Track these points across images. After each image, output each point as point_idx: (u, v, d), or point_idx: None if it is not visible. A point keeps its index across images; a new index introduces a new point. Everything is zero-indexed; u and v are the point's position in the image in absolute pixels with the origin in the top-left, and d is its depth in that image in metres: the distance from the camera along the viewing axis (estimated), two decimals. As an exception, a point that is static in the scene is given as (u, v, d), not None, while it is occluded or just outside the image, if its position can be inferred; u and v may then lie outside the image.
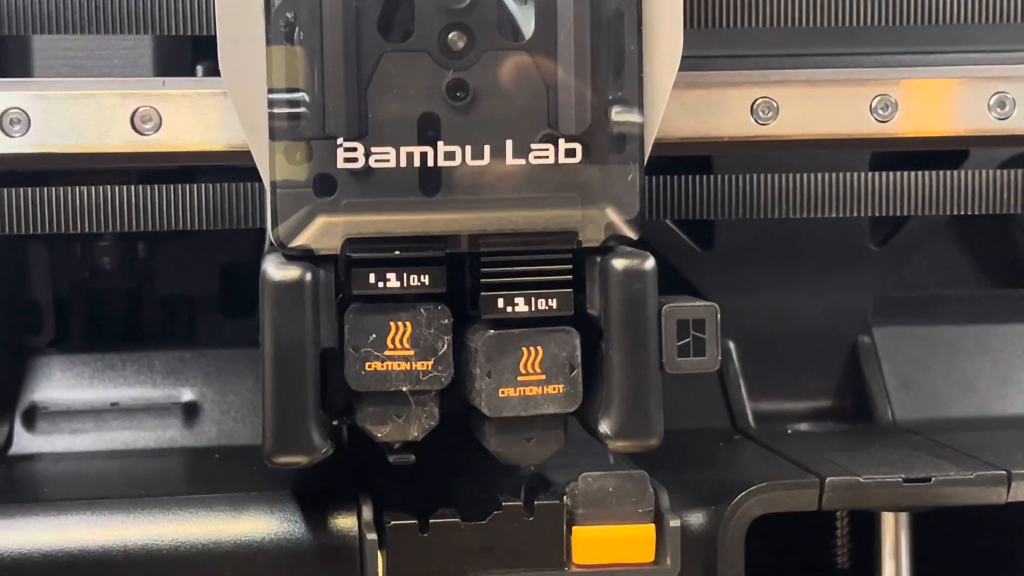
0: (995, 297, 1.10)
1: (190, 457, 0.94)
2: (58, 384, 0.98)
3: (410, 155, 0.74)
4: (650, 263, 0.77)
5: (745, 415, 1.01)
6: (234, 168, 0.84)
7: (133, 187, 0.83)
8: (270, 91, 0.75)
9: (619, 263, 0.76)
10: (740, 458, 0.93)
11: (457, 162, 0.75)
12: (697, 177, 0.88)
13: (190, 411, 0.97)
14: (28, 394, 0.97)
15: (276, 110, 0.75)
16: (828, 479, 0.82)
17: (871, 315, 1.04)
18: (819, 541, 0.98)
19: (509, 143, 0.75)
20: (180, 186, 0.84)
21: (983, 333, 1.05)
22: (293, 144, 0.74)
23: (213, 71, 0.79)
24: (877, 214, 0.89)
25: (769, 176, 0.88)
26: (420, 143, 0.74)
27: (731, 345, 1.02)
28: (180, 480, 0.91)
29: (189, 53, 0.93)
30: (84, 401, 0.97)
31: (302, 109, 0.74)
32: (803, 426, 1.01)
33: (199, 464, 0.93)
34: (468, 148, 0.75)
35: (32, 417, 0.96)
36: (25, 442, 0.95)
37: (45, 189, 0.83)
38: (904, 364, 1.04)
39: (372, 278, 0.75)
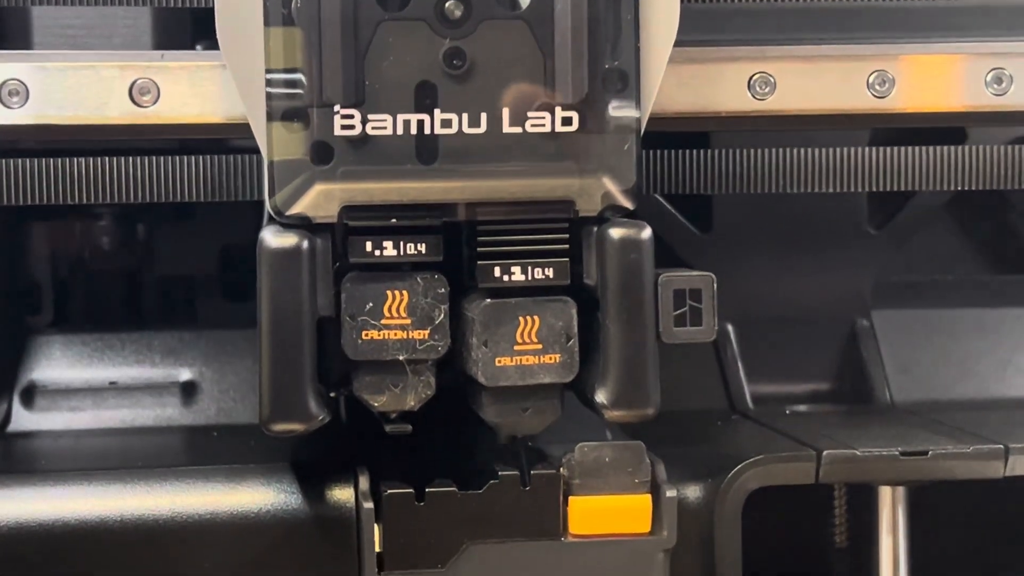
0: (994, 281, 1.10)
1: (188, 434, 0.94)
2: (57, 364, 0.98)
3: (407, 122, 0.74)
4: (647, 232, 0.77)
5: (743, 397, 1.01)
6: (232, 140, 0.84)
7: (131, 158, 0.83)
8: (268, 71, 0.75)
9: (616, 232, 0.76)
10: (737, 435, 0.93)
11: (454, 130, 0.75)
12: (694, 152, 0.88)
13: (188, 390, 0.97)
14: (27, 373, 0.97)
15: (274, 89, 0.74)
16: (825, 452, 0.82)
17: (870, 298, 1.04)
18: (817, 517, 0.98)
19: (506, 111, 0.75)
20: (178, 158, 0.84)
21: (982, 317, 1.05)
22: (291, 113, 0.74)
23: (212, 48, 0.79)
24: (878, 189, 0.88)
25: (767, 151, 0.88)
26: (417, 111, 0.74)
27: (729, 328, 1.02)
28: (178, 455, 0.91)
29: (189, 33, 0.93)
30: (83, 380, 0.97)
31: (299, 90, 0.74)
32: (802, 408, 1.00)
33: (197, 441, 0.93)
34: (465, 116, 0.75)
35: (31, 396, 0.96)
36: (24, 420, 0.95)
37: (43, 160, 0.83)
38: (903, 347, 1.04)
39: (369, 246, 0.75)
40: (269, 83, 0.75)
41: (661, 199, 1.01)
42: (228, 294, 1.05)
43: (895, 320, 1.05)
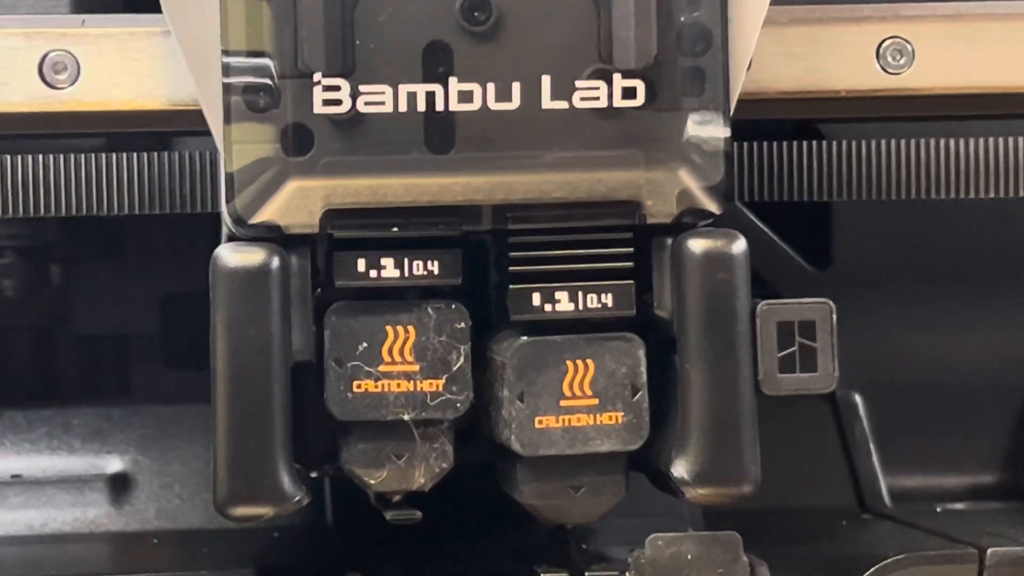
0: None
1: (119, 542, 0.95)
2: (-59, 453, 0.99)
3: (412, 96, 0.75)
4: (740, 245, 0.77)
5: (879, 492, 1.02)
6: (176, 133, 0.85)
7: (42, 156, 0.84)
8: (225, 52, 0.76)
9: (698, 245, 0.77)
10: (870, 534, 0.94)
11: (476, 105, 0.75)
12: (802, 144, 0.89)
13: (119, 485, 0.98)
14: None
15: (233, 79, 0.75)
16: (990, 550, 0.83)
17: (1046, 361, 1.05)
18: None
19: (546, 80, 0.75)
20: (105, 155, 0.84)
21: None
22: (256, 94, 0.75)
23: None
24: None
25: (902, 143, 0.89)
26: (426, 80, 0.75)
27: (858, 399, 1.03)
28: (105, 568, 0.91)
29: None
30: (-24, 473, 0.98)
31: (266, 68, 0.75)
32: (957, 506, 1.01)
33: (130, 551, 0.94)
34: (491, 87, 0.75)
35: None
36: None
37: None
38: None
39: (362, 265, 0.76)
40: (227, 69, 0.75)
41: (760, 222, 1.02)
42: (171, 359, 1.06)
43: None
